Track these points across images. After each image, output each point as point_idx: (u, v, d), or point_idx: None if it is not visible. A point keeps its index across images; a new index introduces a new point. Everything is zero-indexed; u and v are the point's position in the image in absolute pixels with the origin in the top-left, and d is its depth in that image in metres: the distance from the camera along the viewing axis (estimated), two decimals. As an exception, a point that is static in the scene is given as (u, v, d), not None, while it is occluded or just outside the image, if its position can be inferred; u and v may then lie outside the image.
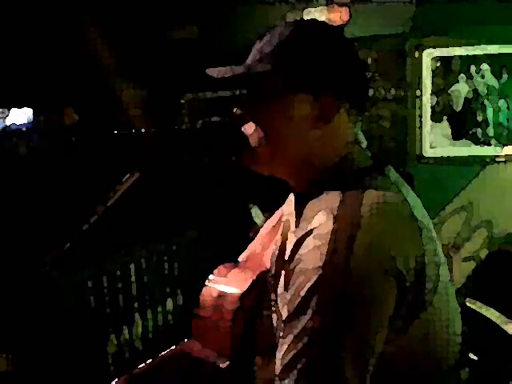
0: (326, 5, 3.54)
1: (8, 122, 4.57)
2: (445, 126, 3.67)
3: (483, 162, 3.57)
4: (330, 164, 1.09)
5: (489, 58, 3.51)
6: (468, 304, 2.14)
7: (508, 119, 3.53)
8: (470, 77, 3.57)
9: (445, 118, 3.66)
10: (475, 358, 1.17)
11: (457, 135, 3.65)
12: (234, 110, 1.14)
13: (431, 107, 3.66)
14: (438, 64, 3.63)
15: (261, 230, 1.43)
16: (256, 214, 1.72)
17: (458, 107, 3.62)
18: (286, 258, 1.06)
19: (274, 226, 1.38)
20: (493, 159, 3.56)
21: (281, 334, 0.98)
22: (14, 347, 2.03)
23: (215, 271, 1.35)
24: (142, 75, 4.06)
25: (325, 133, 1.08)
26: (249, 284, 1.25)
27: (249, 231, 1.63)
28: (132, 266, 2.90)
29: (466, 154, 3.61)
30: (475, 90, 3.57)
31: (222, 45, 3.69)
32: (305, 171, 1.10)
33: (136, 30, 3.87)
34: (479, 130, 3.59)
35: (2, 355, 1.94)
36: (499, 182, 3.54)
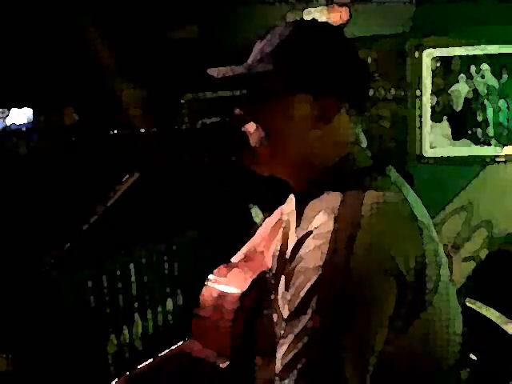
0: (326, 5, 3.54)
1: (8, 121, 4.57)
2: (445, 126, 3.67)
3: (483, 162, 3.57)
4: (330, 164, 1.09)
5: (489, 57, 3.51)
6: (468, 304, 2.14)
7: (508, 119, 3.53)
8: (470, 77, 3.57)
9: (445, 118, 3.66)
10: (475, 358, 1.17)
11: (457, 135, 3.65)
12: (235, 110, 1.14)
13: (431, 107, 3.66)
14: (438, 64, 3.63)
15: (258, 229, 1.43)
16: (256, 214, 1.72)
17: (458, 107, 3.62)
18: (287, 257, 1.07)
19: (274, 226, 1.38)
20: (493, 159, 3.56)
21: (281, 333, 0.98)
22: (14, 347, 2.03)
23: (215, 271, 1.35)
24: (141, 75, 4.06)
25: (325, 133, 1.08)
26: (249, 284, 1.25)
27: (249, 231, 1.63)
28: (132, 266, 2.90)
29: (466, 154, 3.61)
30: (475, 90, 3.57)
31: (222, 45, 3.69)
32: (305, 171, 1.10)
33: (136, 30, 3.86)
34: (479, 130, 3.59)
35: (2, 355, 1.94)
36: (499, 182, 3.54)
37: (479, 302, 2.21)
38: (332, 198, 1.01)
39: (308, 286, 0.93)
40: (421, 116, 3.67)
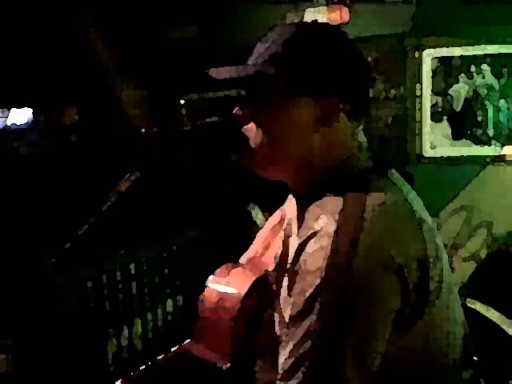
0: (326, 5, 3.53)
1: (8, 122, 4.57)
2: (445, 126, 3.67)
3: (483, 162, 3.57)
4: (330, 166, 1.08)
5: (489, 57, 3.51)
6: (468, 304, 2.14)
7: (508, 119, 3.53)
8: (470, 77, 3.57)
9: (445, 118, 3.66)
10: (475, 358, 1.17)
11: (457, 135, 3.65)
12: (235, 110, 1.13)
13: (431, 107, 3.66)
14: (438, 64, 3.63)
15: (260, 230, 1.43)
16: (256, 214, 1.72)
17: (458, 107, 3.62)
18: (289, 260, 1.06)
19: (274, 227, 1.38)
20: (493, 159, 3.56)
21: (283, 336, 0.98)
22: (14, 347, 2.03)
23: (216, 272, 1.34)
24: (141, 75, 4.06)
25: (326, 135, 1.07)
26: (250, 285, 1.25)
27: (249, 231, 1.63)
28: (132, 266, 2.90)
29: (466, 154, 3.61)
30: (475, 90, 3.57)
31: (222, 45, 3.69)
32: (305, 173, 1.10)
33: (136, 30, 3.86)
34: (479, 130, 3.59)
35: (2, 355, 1.94)
36: (499, 182, 3.54)
37: (479, 302, 2.21)
38: (334, 201, 1.01)
39: (311, 289, 0.93)
40: (421, 116, 3.67)
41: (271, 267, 1.26)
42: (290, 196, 1.29)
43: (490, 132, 3.56)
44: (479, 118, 3.58)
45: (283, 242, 1.21)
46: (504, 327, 2.12)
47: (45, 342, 2.34)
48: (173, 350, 1.37)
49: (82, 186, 3.65)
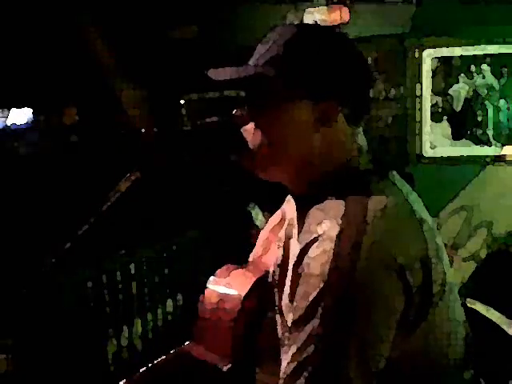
0: (326, 5, 3.53)
1: (8, 122, 4.57)
2: (445, 126, 3.67)
3: (483, 162, 3.57)
4: (330, 168, 1.08)
5: (489, 57, 3.51)
6: (468, 304, 2.13)
7: (508, 119, 3.53)
8: (470, 77, 3.57)
9: (445, 118, 3.66)
10: (475, 358, 1.17)
11: (457, 135, 3.65)
12: (235, 111, 1.13)
13: (431, 107, 3.66)
14: (438, 64, 3.63)
15: (262, 231, 1.42)
16: (256, 214, 1.72)
17: (458, 107, 3.62)
18: (291, 265, 1.06)
19: (274, 227, 1.38)
20: (493, 159, 3.56)
21: (285, 340, 0.98)
22: (14, 347, 2.03)
23: (216, 272, 1.34)
24: (141, 75, 4.06)
25: (325, 137, 1.07)
26: (250, 286, 1.24)
27: (249, 231, 1.63)
28: (132, 266, 2.90)
29: (466, 154, 3.61)
30: (475, 90, 3.57)
31: (222, 45, 3.69)
32: (305, 175, 1.10)
33: (136, 30, 3.86)
34: (479, 130, 3.59)
35: (2, 355, 1.93)
36: (499, 182, 3.54)
37: (479, 302, 2.21)
38: (335, 205, 1.00)
39: (314, 293, 0.93)
40: (421, 116, 3.67)
41: (271, 268, 1.25)
42: (289, 196, 1.29)
43: (490, 132, 3.56)
44: (479, 118, 3.58)
45: (284, 243, 1.21)
46: (504, 327, 2.12)
47: (45, 342, 2.34)
48: (173, 351, 1.36)
49: (82, 186, 3.65)
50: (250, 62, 1.11)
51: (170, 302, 3.12)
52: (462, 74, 3.58)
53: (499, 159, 3.55)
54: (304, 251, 1.00)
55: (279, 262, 1.21)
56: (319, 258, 0.95)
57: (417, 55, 3.63)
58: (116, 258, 2.85)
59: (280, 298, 1.15)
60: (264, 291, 1.23)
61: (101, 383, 2.62)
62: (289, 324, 0.99)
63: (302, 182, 1.11)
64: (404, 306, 0.96)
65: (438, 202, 3.57)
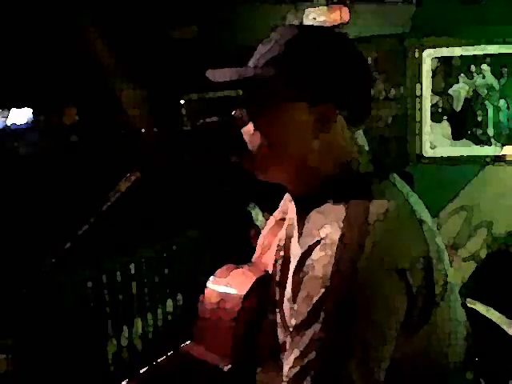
0: (326, 5, 3.53)
1: (8, 122, 4.57)
2: (445, 126, 3.67)
3: (483, 162, 3.57)
4: (330, 170, 1.07)
5: (489, 57, 3.51)
6: (468, 304, 2.13)
7: (508, 119, 3.53)
8: (470, 77, 3.57)
9: (445, 118, 3.66)
10: (475, 358, 1.17)
11: (457, 135, 3.65)
12: (234, 112, 1.13)
13: (431, 107, 3.66)
14: (438, 64, 3.63)
15: (262, 231, 1.42)
16: (256, 214, 1.72)
17: (458, 107, 3.62)
18: (292, 268, 1.06)
19: (274, 227, 1.37)
20: (493, 159, 3.56)
21: (287, 344, 0.98)
22: (14, 347, 2.03)
23: (216, 272, 1.34)
24: (141, 75, 4.06)
25: (324, 139, 1.07)
26: (250, 285, 1.24)
27: (249, 231, 1.63)
28: (132, 266, 2.90)
29: (466, 154, 3.61)
30: (475, 90, 3.57)
31: (222, 45, 3.69)
32: (304, 176, 1.09)
33: (136, 30, 3.86)
34: (479, 130, 3.58)
35: (2, 355, 1.93)
36: (499, 182, 3.54)
37: (479, 303, 2.21)
38: (336, 208, 1.00)
39: (316, 297, 0.93)
40: (421, 116, 3.67)
41: (271, 268, 1.25)
42: (287, 196, 1.29)
43: (490, 132, 3.56)
44: (479, 118, 3.58)
45: (284, 243, 1.20)
46: (504, 327, 2.12)
47: (45, 342, 2.34)
48: (173, 351, 1.36)
49: (82, 186, 3.65)
50: (250, 63, 1.11)
51: (170, 302, 3.11)
52: (462, 74, 3.58)
53: (499, 159, 3.55)
54: (306, 254, 0.99)
55: (279, 262, 1.21)
56: (322, 262, 0.95)
57: (417, 55, 3.63)
58: (116, 258, 2.85)
59: (280, 299, 1.15)
60: (264, 291, 1.23)
61: (101, 383, 2.62)
62: (290, 327, 0.98)
63: (302, 184, 1.11)
64: (406, 307, 0.96)
65: (438, 202, 3.57)
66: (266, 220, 1.45)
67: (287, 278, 1.11)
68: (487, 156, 3.56)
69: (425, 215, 1.06)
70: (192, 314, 1.33)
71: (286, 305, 1.10)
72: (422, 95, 3.65)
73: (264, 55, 1.08)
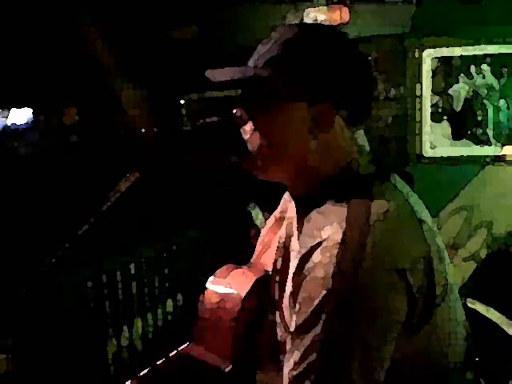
0: (326, 5, 3.53)
1: (8, 122, 4.57)
2: (445, 126, 3.67)
3: (483, 162, 3.57)
4: (330, 170, 1.07)
5: (489, 57, 3.51)
6: (468, 304, 2.13)
7: (508, 119, 3.53)
8: (470, 77, 3.57)
9: (445, 118, 3.66)
10: (475, 358, 1.17)
11: (457, 135, 3.65)
12: (235, 111, 1.13)
13: (431, 107, 3.66)
14: (438, 64, 3.63)
15: (262, 231, 1.42)
16: (256, 214, 1.72)
17: (458, 107, 3.62)
18: (292, 268, 1.05)
19: (273, 226, 1.37)
20: (493, 159, 3.56)
21: (287, 345, 0.97)
22: (14, 347, 2.03)
23: (216, 272, 1.34)
24: (141, 75, 4.06)
25: (322, 139, 1.06)
26: (250, 286, 1.24)
27: (249, 231, 1.63)
28: (132, 266, 2.90)
29: (466, 154, 3.61)
30: (475, 90, 3.57)
31: (222, 45, 3.69)
32: (304, 176, 1.09)
33: (136, 30, 3.86)
34: (479, 130, 3.59)
35: (2, 355, 1.94)
36: (499, 182, 3.54)
37: (479, 303, 2.21)
38: (337, 208, 1.00)
39: (317, 299, 0.93)
40: (421, 116, 3.67)
41: (271, 268, 1.25)
42: (286, 195, 1.29)
43: (490, 132, 3.56)
44: (479, 118, 3.58)
45: (284, 243, 1.20)
46: (504, 327, 2.12)
47: (45, 342, 2.34)
48: (173, 352, 1.36)
49: (81, 186, 3.65)
50: (250, 62, 1.10)
51: (170, 302, 3.12)
52: (462, 74, 3.58)
53: (499, 159, 3.55)
54: (307, 256, 0.99)
55: (279, 261, 1.20)
56: (323, 263, 0.95)
57: (417, 55, 3.63)
58: (116, 258, 2.86)
59: (281, 299, 1.15)
60: (264, 291, 1.23)
61: (101, 383, 2.62)
62: (291, 329, 0.98)
63: (302, 183, 1.11)
64: (407, 307, 0.96)
65: (438, 202, 3.57)
66: (266, 220, 1.45)
67: (287, 277, 1.11)
68: (487, 156, 3.56)
69: (425, 215, 1.06)
70: (192, 314, 1.33)
71: (286, 305, 1.10)
72: (421, 95, 3.65)
73: (263, 55, 1.07)
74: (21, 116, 4.57)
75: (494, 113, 3.55)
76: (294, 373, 0.93)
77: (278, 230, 1.30)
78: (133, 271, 2.91)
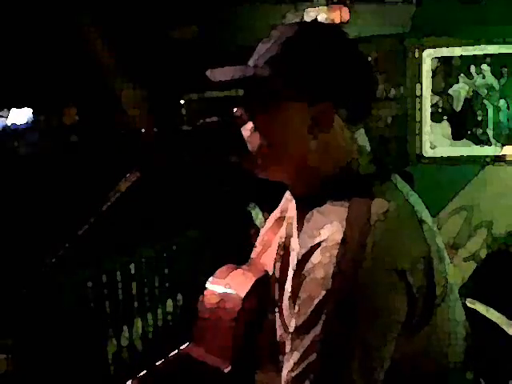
0: (326, 5, 3.53)
1: (8, 122, 4.57)
2: (445, 126, 3.67)
3: (483, 162, 3.57)
4: (330, 170, 1.07)
5: (489, 57, 3.51)
6: (468, 304, 2.13)
7: (508, 119, 3.53)
8: (470, 77, 3.57)
9: (445, 118, 3.66)
10: (475, 358, 1.17)
11: (457, 135, 3.65)
12: (235, 111, 1.13)
13: (431, 107, 3.66)
14: (438, 64, 3.63)
15: (261, 230, 1.42)
16: (256, 214, 1.72)
17: (458, 107, 3.62)
18: (293, 269, 1.05)
19: (273, 225, 1.37)
20: (493, 159, 3.56)
21: (287, 346, 0.97)
22: (14, 347, 2.03)
23: (216, 272, 1.34)
24: (142, 75, 4.06)
25: (323, 139, 1.06)
26: (250, 286, 1.24)
27: (249, 231, 1.63)
28: (132, 266, 2.90)
29: (466, 154, 3.61)
30: (475, 90, 3.57)
31: (222, 45, 3.69)
32: (304, 176, 1.09)
33: (136, 30, 3.86)
34: (479, 130, 3.59)
35: (2, 355, 1.93)
36: (499, 182, 3.54)
37: (479, 303, 2.21)
38: (338, 208, 0.99)
39: (316, 300, 0.93)
40: (421, 116, 3.67)
41: (271, 268, 1.25)
42: (287, 194, 1.29)
43: (490, 132, 3.56)
44: (479, 118, 3.58)
45: (284, 242, 1.20)
46: (504, 327, 2.12)
47: (45, 342, 2.34)
48: (172, 353, 1.36)
49: (81, 186, 3.65)
50: (250, 62, 1.10)
51: (170, 302, 3.12)
52: (462, 74, 3.58)
53: (499, 159, 3.55)
54: (307, 256, 0.99)
55: (279, 261, 1.20)
56: (323, 264, 0.94)
57: (417, 55, 3.63)
58: (116, 258, 2.86)
59: (280, 299, 1.15)
60: (264, 291, 1.23)
61: (101, 383, 2.63)
62: (290, 329, 0.98)
63: (302, 183, 1.10)
64: (407, 307, 0.96)
65: (438, 202, 3.57)
66: (266, 220, 1.45)
67: (287, 277, 1.11)
68: (487, 156, 3.56)
69: (425, 215, 1.06)
70: (192, 314, 1.33)
71: (286, 305, 1.09)
72: (421, 95, 3.65)
73: (263, 54, 1.07)
74: (21, 116, 4.57)
75: (494, 113, 3.55)
76: (294, 373, 0.93)
77: (278, 230, 1.30)
78: (133, 271, 2.91)
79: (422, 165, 3.68)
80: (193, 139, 1.20)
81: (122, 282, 2.83)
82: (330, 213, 1.00)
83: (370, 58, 3.65)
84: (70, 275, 2.52)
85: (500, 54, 3.47)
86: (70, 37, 3.87)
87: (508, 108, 3.52)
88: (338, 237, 0.95)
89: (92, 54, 4.05)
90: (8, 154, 4.39)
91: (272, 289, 1.21)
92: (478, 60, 3.54)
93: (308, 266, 0.98)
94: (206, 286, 1.32)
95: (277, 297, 1.18)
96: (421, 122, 3.67)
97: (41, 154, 4.36)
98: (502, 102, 3.53)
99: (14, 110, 4.54)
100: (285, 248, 1.20)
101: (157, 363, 1.34)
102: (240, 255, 1.43)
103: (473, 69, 3.55)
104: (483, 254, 3.59)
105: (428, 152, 3.68)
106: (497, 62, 3.50)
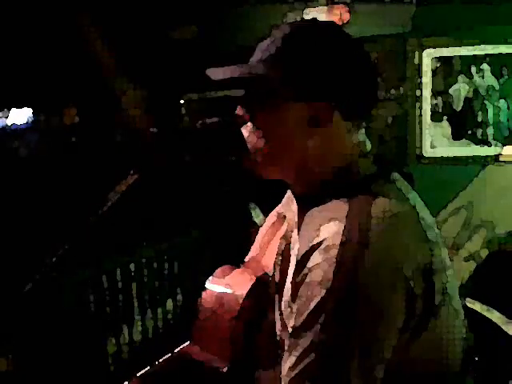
0: (326, 5, 3.53)
1: (8, 122, 4.57)
2: (445, 126, 3.67)
3: (483, 162, 3.57)
4: (329, 170, 1.06)
5: (489, 57, 3.51)
6: (468, 304, 2.13)
7: (508, 119, 3.53)
8: (470, 77, 3.57)
9: (445, 118, 3.66)
10: (476, 358, 1.16)
11: (457, 135, 3.65)
12: (237, 110, 1.13)
13: (431, 107, 3.66)
14: (438, 64, 3.63)
15: (260, 230, 1.42)
16: (256, 214, 1.72)
17: (458, 107, 3.62)
18: (292, 269, 1.05)
19: (273, 225, 1.37)
20: (493, 159, 3.56)
21: (286, 346, 0.97)
22: (14, 347, 2.03)
23: (216, 272, 1.34)
24: (142, 75, 4.06)
25: (321, 138, 1.06)
26: (249, 286, 1.24)
27: (249, 231, 1.63)
28: (132, 266, 2.90)
29: (466, 154, 3.61)
30: (475, 90, 3.57)
31: (222, 45, 3.69)
32: (304, 175, 1.09)
33: (136, 30, 3.86)
34: (479, 130, 3.59)
35: (2, 355, 1.94)
36: (499, 182, 3.54)
37: (479, 303, 2.21)
38: (338, 208, 0.99)
39: (316, 300, 0.92)
40: (421, 116, 3.67)
41: (271, 268, 1.25)
42: (288, 194, 1.29)
43: (490, 132, 3.57)
44: (479, 118, 3.58)
45: (284, 242, 1.20)
46: (504, 327, 2.12)
47: (45, 342, 2.34)
48: (171, 353, 1.36)
49: (81, 186, 3.65)
50: (250, 61, 1.10)
51: (169, 302, 3.12)
52: (462, 74, 3.58)
53: (499, 159, 3.55)
54: (307, 255, 0.99)
55: (279, 261, 1.20)
56: (323, 263, 0.94)
57: (417, 55, 3.63)
58: (116, 258, 2.86)
59: (280, 298, 1.15)
60: (264, 291, 1.23)
61: (101, 383, 2.63)
62: (289, 329, 0.98)
63: (302, 183, 1.10)
64: (407, 307, 0.95)
65: (438, 202, 3.57)
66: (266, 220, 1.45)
67: (287, 277, 1.11)
68: (487, 156, 3.56)
69: (425, 215, 1.06)
70: (192, 314, 1.33)
71: (286, 305, 1.09)
72: (421, 95, 3.65)
73: (263, 53, 1.07)
74: (21, 116, 4.58)
75: (493, 113, 3.55)
76: (293, 373, 0.93)
77: (277, 229, 1.30)
78: (133, 271, 2.91)
79: (421, 165, 3.68)
80: (193, 139, 1.20)
81: (121, 281, 2.83)
82: (331, 212, 1.00)
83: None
84: (70, 275, 2.52)
85: (500, 54, 3.47)
86: (70, 37, 3.87)
87: (508, 108, 3.52)
88: (338, 236, 0.95)
89: (92, 54, 4.05)
90: (8, 154, 4.39)
91: (272, 288, 1.21)
92: (477, 60, 3.54)
93: (308, 265, 0.97)
94: (206, 285, 1.32)
95: (276, 296, 1.18)
96: (421, 122, 3.67)
97: (41, 154, 4.36)
98: (501, 102, 3.53)
99: (14, 110, 4.54)
100: (285, 248, 1.20)
101: (156, 362, 1.35)
102: (240, 255, 1.43)
103: (473, 69, 3.56)
104: (483, 253, 3.59)
105: (428, 152, 3.68)
106: (497, 61, 3.50)
